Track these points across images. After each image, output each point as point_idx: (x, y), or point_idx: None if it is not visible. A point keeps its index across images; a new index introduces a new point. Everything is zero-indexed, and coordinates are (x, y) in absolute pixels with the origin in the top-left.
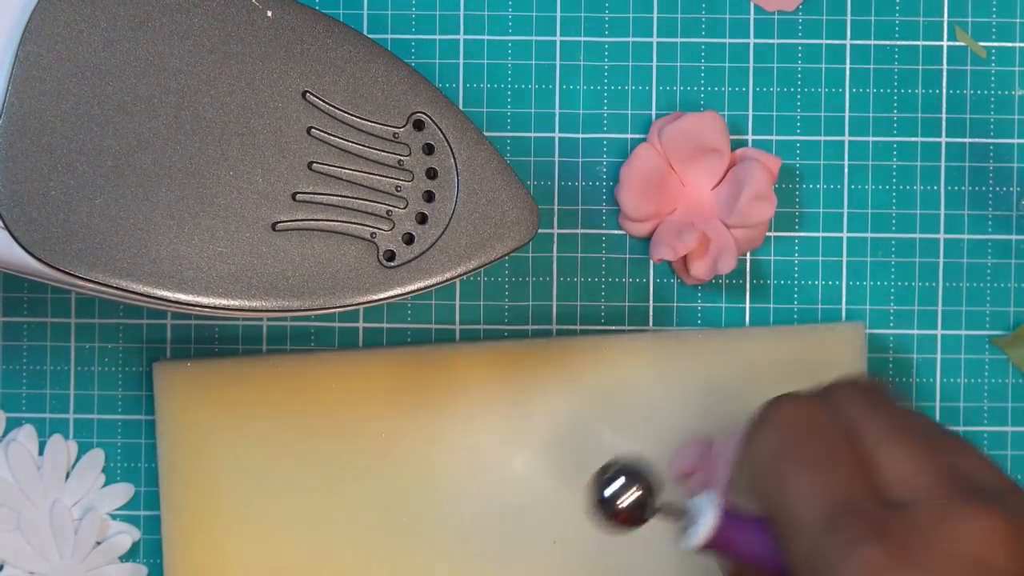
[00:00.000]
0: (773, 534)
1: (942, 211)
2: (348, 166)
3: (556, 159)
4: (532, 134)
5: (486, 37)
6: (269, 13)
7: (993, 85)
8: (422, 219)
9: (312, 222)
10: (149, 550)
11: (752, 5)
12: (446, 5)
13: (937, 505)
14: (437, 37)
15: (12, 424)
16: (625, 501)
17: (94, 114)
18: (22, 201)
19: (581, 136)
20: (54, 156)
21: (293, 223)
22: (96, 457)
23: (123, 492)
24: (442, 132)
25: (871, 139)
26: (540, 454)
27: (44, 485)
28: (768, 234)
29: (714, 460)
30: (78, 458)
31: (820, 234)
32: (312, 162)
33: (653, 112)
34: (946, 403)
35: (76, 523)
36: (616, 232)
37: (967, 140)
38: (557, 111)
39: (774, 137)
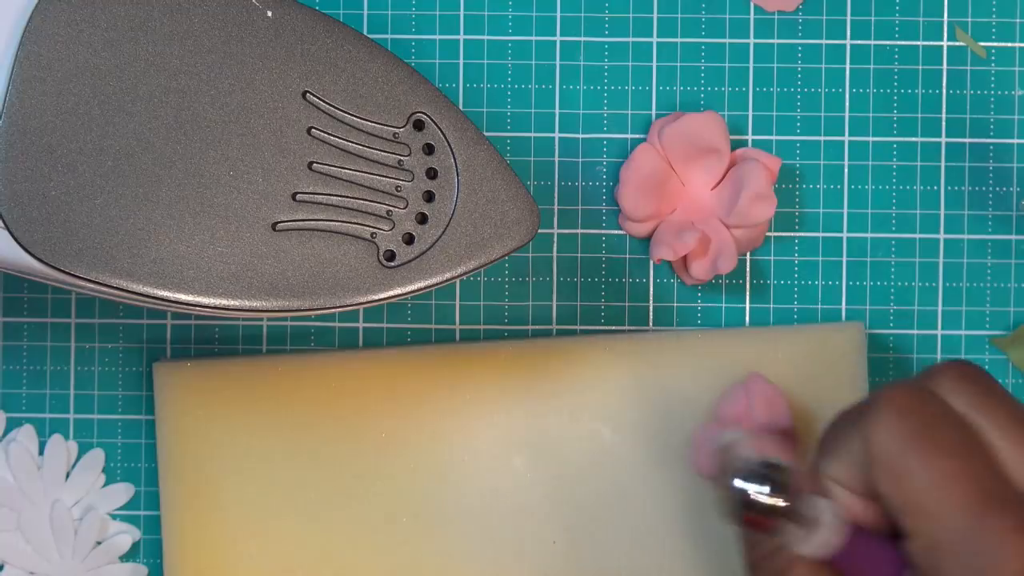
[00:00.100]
0: (896, 545)
1: (942, 211)
2: (348, 166)
3: (556, 159)
4: (532, 134)
5: (486, 37)
6: (269, 13)
7: (993, 85)
8: (422, 219)
9: (312, 222)
10: (149, 550)
11: (752, 5)
12: (446, 5)
13: None
14: (437, 37)
15: (12, 424)
16: (764, 509)
17: (94, 114)
18: (22, 201)
19: (581, 136)
20: (54, 156)
21: (293, 223)
22: (96, 457)
23: (123, 492)
24: (442, 132)
25: (871, 139)
26: (540, 454)
27: (44, 485)
28: (768, 234)
29: (749, 404)
30: (78, 458)
31: (820, 234)
32: (312, 162)
33: (653, 112)
34: None
35: (76, 523)
36: (616, 232)
37: (967, 140)
38: (557, 111)
39: (774, 137)
